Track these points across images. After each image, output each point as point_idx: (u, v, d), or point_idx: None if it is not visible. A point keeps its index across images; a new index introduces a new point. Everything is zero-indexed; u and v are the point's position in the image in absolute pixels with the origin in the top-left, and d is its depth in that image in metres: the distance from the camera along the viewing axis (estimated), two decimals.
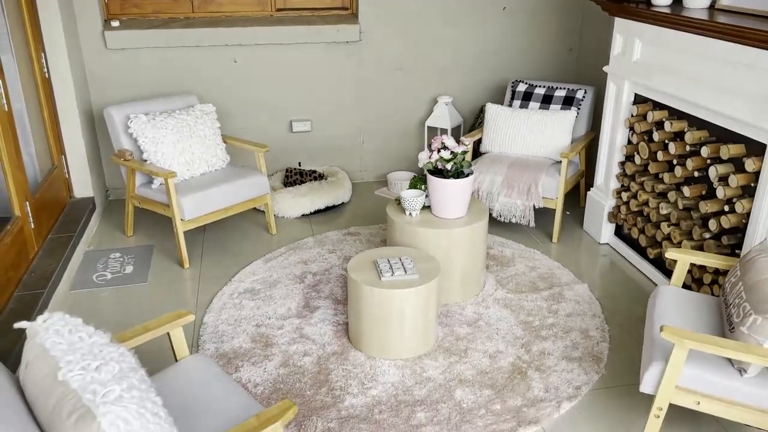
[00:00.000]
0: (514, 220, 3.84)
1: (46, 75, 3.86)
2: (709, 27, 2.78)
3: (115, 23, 4.20)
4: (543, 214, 4.19)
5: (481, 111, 4.65)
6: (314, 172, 4.53)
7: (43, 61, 3.82)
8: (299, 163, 4.64)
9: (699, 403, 2.12)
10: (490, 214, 3.97)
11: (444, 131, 4.65)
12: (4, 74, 3.27)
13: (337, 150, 4.76)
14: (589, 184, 4.30)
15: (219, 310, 3.21)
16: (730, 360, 2.15)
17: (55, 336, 1.67)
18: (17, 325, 1.76)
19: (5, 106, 3.19)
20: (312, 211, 4.27)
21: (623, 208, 3.63)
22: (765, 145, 2.63)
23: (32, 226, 3.39)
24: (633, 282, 3.46)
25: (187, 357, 2.19)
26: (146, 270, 3.62)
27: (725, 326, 2.22)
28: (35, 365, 1.64)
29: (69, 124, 4.03)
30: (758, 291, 2.13)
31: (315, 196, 4.25)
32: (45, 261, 3.38)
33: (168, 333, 2.16)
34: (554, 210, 3.89)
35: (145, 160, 3.66)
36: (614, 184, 3.73)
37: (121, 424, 1.47)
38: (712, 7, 3.13)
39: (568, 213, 4.27)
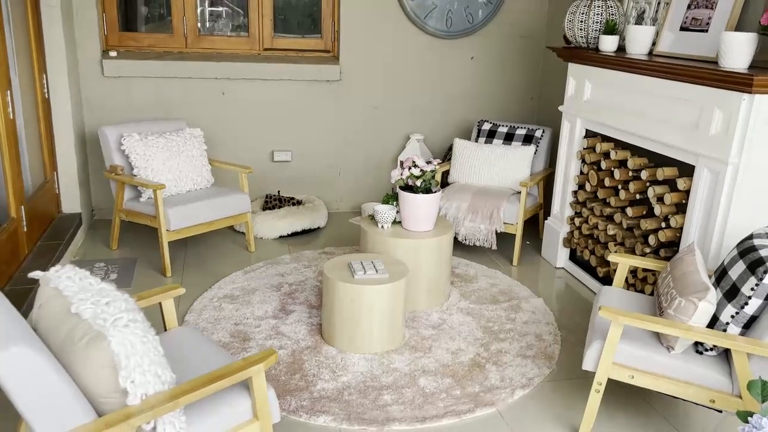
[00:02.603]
0: (478, 244, 4.14)
1: (46, 95, 4.14)
2: (648, 66, 3.21)
3: (113, 53, 4.53)
4: (504, 241, 4.51)
5: (451, 148, 5.03)
6: (293, 198, 4.81)
7: (45, 82, 4.11)
8: (278, 191, 4.92)
9: (633, 377, 2.39)
10: (456, 238, 4.27)
11: None
12: (12, 87, 3.54)
13: (315, 180, 5.07)
14: (547, 216, 4.65)
15: (200, 311, 3.41)
16: (659, 339, 2.44)
17: (67, 281, 1.89)
18: (31, 274, 1.98)
19: (10, 114, 3.45)
20: (289, 233, 4.53)
21: (576, 233, 3.98)
22: (693, 167, 3.01)
23: (25, 230, 3.58)
24: (584, 299, 3.76)
25: (176, 327, 2.41)
26: (129, 278, 3.82)
27: (656, 313, 2.53)
28: (48, 305, 1.85)
29: (63, 143, 4.29)
30: (684, 280, 2.45)
31: (293, 219, 4.52)
32: (34, 263, 3.56)
33: (160, 303, 2.38)
34: (514, 235, 4.22)
35: (135, 176, 3.92)
36: (568, 212, 4.08)
37: (129, 346, 1.70)
38: (650, 54, 3.57)
39: (527, 242, 4.60)
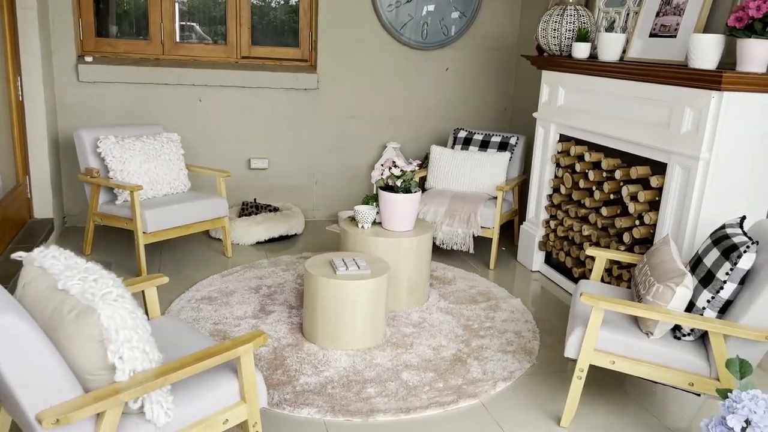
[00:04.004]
0: (455, 248, 4.19)
1: (20, 98, 4.09)
2: (620, 70, 3.33)
3: (88, 59, 4.50)
4: (481, 246, 4.57)
5: (427, 157, 5.09)
6: (269, 205, 4.80)
7: (19, 85, 4.06)
8: (254, 199, 4.91)
9: (614, 362, 2.44)
10: (434, 243, 4.31)
11: None
12: None
13: (292, 188, 5.07)
14: (522, 221, 4.73)
15: (177, 311, 3.37)
16: (639, 326, 2.49)
17: (52, 260, 1.87)
18: (14, 255, 1.95)
19: None
20: (266, 239, 4.51)
21: (551, 236, 4.05)
22: (666, 164, 3.11)
23: None
24: (560, 300, 3.82)
25: (159, 317, 2.38)
26: None
27: (634, 301, 2.58)
28: (33, 283, 1.82)
29: (36, 148, 4.22)
30: (661, 268, 2.52)
31: (270, 225, 4.50)
32: (4, 265, 3.48)
33: (143, 292, 2.35)
34: (491, 240, 4.27)
35: (111, 179, 3.88)
36: (543, 215, 4.16)
37: (119, 320, 1.68)
38: (621, 60, 3.70)
39: (503, 249, 4.66)
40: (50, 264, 1.84)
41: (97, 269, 1.87)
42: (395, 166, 3.47)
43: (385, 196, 3.46)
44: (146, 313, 2.37)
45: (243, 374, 1.97)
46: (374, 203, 3.62)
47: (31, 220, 4.26)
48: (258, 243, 4.51)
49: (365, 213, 3.49)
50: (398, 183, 3.46)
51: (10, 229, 3.84)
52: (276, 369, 2.83)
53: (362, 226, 3.52)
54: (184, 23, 4.78)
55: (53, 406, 1.59)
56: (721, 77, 2.68)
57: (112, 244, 4.34)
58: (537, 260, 4.24)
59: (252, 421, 2.02)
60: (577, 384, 2.47)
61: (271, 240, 4.55)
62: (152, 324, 2.31)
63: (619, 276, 3.41)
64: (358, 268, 3.05)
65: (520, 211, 4.74)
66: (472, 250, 4.15)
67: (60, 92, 4.46)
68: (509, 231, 4.92)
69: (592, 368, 2.94)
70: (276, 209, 4.79)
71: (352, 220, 3.64)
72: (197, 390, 1.93)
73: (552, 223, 4.04)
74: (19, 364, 1.55)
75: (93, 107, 4.53)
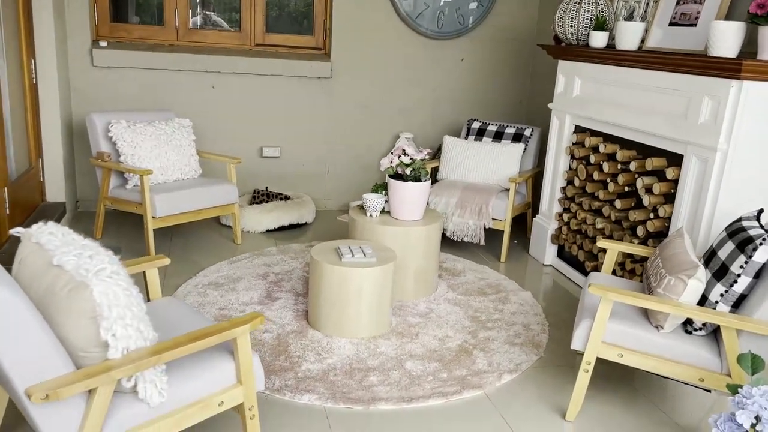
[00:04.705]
0: (466, 239, 4.13)
1: (34, 81, 4.10)
2: (638, 59, 3.24)
3: (103, 43, 4.51)
4: (492, 238, 4.50)
5: (440, 148, 5.03)
6: (281, 194, 4.78)
7: (33, 68, 4.07)
8: (266, 187, 4.89)
9: (622, 355, 2.37)
10: (444, 234, 4.26)
11: None
12: None
13: (304, 177, 5.04)
14: (535, 214, 4.65)
15: (184, 296, 3.35)
16: (648, 318, 2.42)
17: (49, 236, 1.85)
18: (12, 230, 1.93)
19: None
20: (276, 227, 4.49)
21: (564, 229, 3.98)
22: (682, 156, 3.03)
23: (7, 213, 3.52)
24: (572, 294, 3.75)
25: (160, 298, 2.36)
26: None
27: (645, 293, 2.51)
28: (29, 259, 1.81)
29: (49, 131, 4.23)
30: (673, 260, 2.45)
31: (280, 213, 4.48)
32: (13, 247, 3.49)
33: (144, 273, 2.33)
34: (502, 232, 4.20)
35: (122, 162, 3.87)
36: (557, 208, 4.08)
37: (112, 296, 1.66)
38: (639, 50, 3.61)
39: (516, 242, 4.60)
40: (47, 240, 1.82)
41: (95, 246, 1.85)
42: (405, 154, 3.42)
43: (394, 184, 3.41)
44: (147, 293, 2.36)
45: (239, 356, 1.94)
46: (383, 192, 3.57)
47: (43, 204, 4.28)
48: (268, 231, 4.49)
49: (374, 201, 3.45)
50: (407, 171, 3.41)
51: (22, 211, 3.86)
52: (279, 355, 2.80)
53: (370, 215, 3.48)
54: (198, 9, 4.76)
55: (43, 381, 1.58)
56: (741, 66, 2.60)
57: (123, 228, 4.35)
58: (549, 254, 4.17)
59: (248, 404, 1.99)
60: (584, 377, 2.41)
61: (281, 228, 4.53)
62: (153, 305, 2.30)
63: (632, 270, 3.33)
64: (364, 255, 3.01)
65: (533, 204, 4.67)
66: (482, 242, 4.09)
67: (74, 77, 4.47)
68: (523, 224, 4.85)
69: (601, 363, 2.88)
70: (287, 198, 4.76)
71: (361, 208, 3.60)
72: (193, 371, 1.90)
73: (565, 216, 3.97)
74: (9, 338, 1.53)
75: (107, 92, 4.54)
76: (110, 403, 1.73)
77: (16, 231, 1.92)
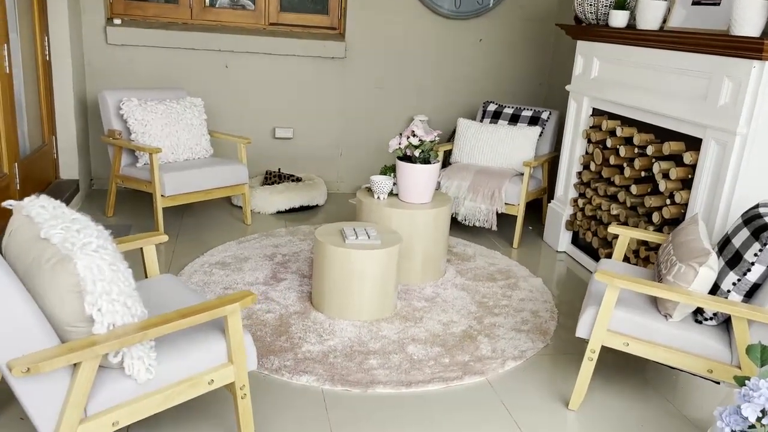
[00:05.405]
0: (478, 224, 4.05)
1: (47, 57, 4.10)
2: (657, 38, 3.13)
3: (117, 21, 4.49)
4: (505, 224, 4.42)
5: (455, 131, 4.94)
6: (293, 175, 4.74)
7: (46, 44, 4.07)
8: (279, 169, 4.86)
9: (628, 344, 2.29)
10: (456, 219, 4.18)
11: None
12: (9, 41, 3.49)
13: (317, 159, 5.00)
14: (551, 200, 4.56)
15: (190, 275, 3.34)
16: (657, 307, 2.34)
17: (39, 209, 1.83)
18: (5, 203, 1.92)
19: (6, 68, 3.41)
20: (287, 209, 4.46)
21: (579, 215, 3.88)
22: (701, 140, 2.91)
23: (18, 188, 3.54)
24: (585, 281, 3.66)
25: (158, 275, 2.34)
26: None
27: (655, 281, 2.43)
28: (18, 231, 1.79)
29: (63, 108, 4.24)
30: (685, 247, 2.35)
31: (292, 194, 4.45)
32: None
33: (141, 249, 2.31)
34: (516, 217, 4.12)
35: (133, 141, 3.87)
36: (572, 193, 3.98)
37: (96, 271, 1.63)
38: (660, 30, 3.48)
39: (530, 228, 4.51)
40: (36, 213, 1.80)
41: (85, 220, 1.83)
42: (414, 136, 3.35)
43: (402, 166, 3.35)
44: (145, 270, 2.34)
45: (230, 334, 1.91)
46: (392, 174, 3.51)
47: (56, 181, 4.30)
48: (279, 212, 4.46)
49: (381, 183, 3.39)
50: (416, 153, 3.35)
51: (34, 187, 3.88)
52: (280, 335, 2.78)
53: (378, 197, 3.42)
54: None
55: (25, 354, 1.56)
56: (763, 45, 2.47)
57: (136, 207, 4.36)
58: (563, 240, 4.08)
59: (239, 383, 1.97)
60: (588, 365, 2.34)
61: (292, 210, 4.50)
62: (149, 282, 2.28)
63: (646, 258, 3.24)
64: (369, 237, 2.96)
65: (549, 190, 4.57)
66: (495, 228, 4.01)
67: (88, 54, 4.47)
68: (538, 210, 4.75)
69: (612, 353, 2.80)
70: (299, 179, 4.73)
71: (369, 190, 3.55)
72: (183, 348, 1.88)
73: (580, 202, 3.87)
74: None
75: (121, 70, 4.53)
76: (96, 378, 1.71)
77: (8, 203, 1.90)
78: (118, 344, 1.65)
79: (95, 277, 1.63)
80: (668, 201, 3.10)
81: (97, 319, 1.65)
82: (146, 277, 2.34)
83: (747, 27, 2.64)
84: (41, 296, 1.64)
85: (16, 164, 3.50)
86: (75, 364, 1.64)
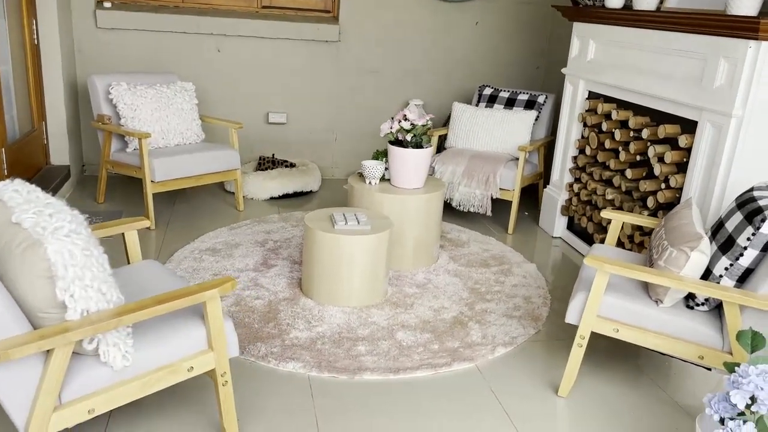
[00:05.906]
0: (472, 210, 4.00)
1: (36, 42, 4.05)
2: (653, 18, 3.06)
3: (107, 4, 4.43)
4: (500, 210, 4.37)
5: (450, 115, 4.88)
6: (286, 161, 4.69)
7: (34, 28, 4.01)
8: (273, 154, 4.81)
9: (618, 330, 2.26)
10: (450, 204, 4.14)
11: None
12: None
13: (311, 144, 4.95)
14: (547, 185, 4.50)
15: (179, 261, 3.31)
16: (648, 292, 2.30)
17: (13, 193, 1.79)
18: None
19: None
20: (280, 195, 4.41)
21: (574, 200, 3.83)
22: (696, 123, 2.86)
23: (6, 173, 3.50)
24: (579, 267, 3.62)
25: (140, 261, 2.30)
26: None
27: (647, 266, 2.38)
28: None
29: (52, 93, 4.19)
30: (677, 232, 2.31)
31: (285, 180, 4.40)
32: None
33: (123, 235, 2.27)
34: (511, 202, 4.07)
35: (122, 126, 3.82)
36: (567, 178, 3.93)
37: (66, 255, 1.59)
38: (658, 10, 3.41)
39: (526, 213, 4.46)
40: (9, 197, 1.76)
41: (60, 204, 1.79)
42: (405, 120, 3.29)
43: (393, 150, 3.30)
44: (127, 256, 2.30)
45: (210, 321, 1.87)
46: (384, 158, 3.46)
47: (47, 167, 4.26)
48: (272, 198, 4.42)
49: (373, 168, 3.34)
50: (408, 137, 3.29)
51: (22, 173, 3.84)
52: (268, 322, 2.74)
53: (370, 182, 3.38)
54: None
55: None
56: (759, 24, 2.41)
57: (127, 193, 4.32)
58: (559, 226, 4.03)
59: (220, 370, 1.93)
60: (578, 352, 2.31)
61: (286, 196, 4.46)
62: (130, 268, 2.24)
63: (641, 243, 3.19)
64: (358, 223, 2.92)
65: (545, 175, 4.51)
66: (489, 213, 3.97)
67: (78, 38, 4.41)
68: (534, 195, 4.70)
69: (605, 339, 2.76)
70: (292, 165, 4.68)
71: (361, 176, 3.50)
72: (162, 335, 1.84)
73: (575, 187, 3.82)
74: None
75: (111, 54, 4.47)
76: (71, 365, 1.68)
77: None
78: (91, 330, 1.61)
79: (66, 262, 1.59)
80: (663, 185, 3.05)
81: (70, 305, 1.61)
82: (128, 263, 2.30)
83: (744, 7, 2.57)
84: (12, 282, 1.61)
85: (3, 149, 3.46)
86: (48, 351, 1.60)
